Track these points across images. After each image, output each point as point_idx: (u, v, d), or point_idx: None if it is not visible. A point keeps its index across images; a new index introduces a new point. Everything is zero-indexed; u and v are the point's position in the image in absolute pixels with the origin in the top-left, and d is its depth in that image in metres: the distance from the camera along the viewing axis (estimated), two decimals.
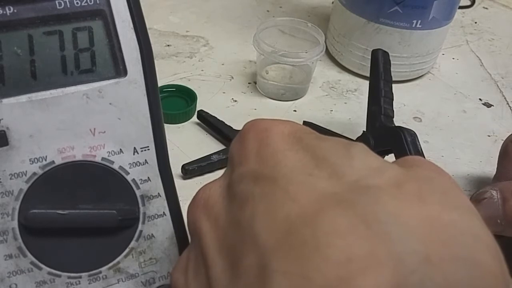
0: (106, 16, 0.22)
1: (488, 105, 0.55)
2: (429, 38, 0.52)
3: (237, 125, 0.45)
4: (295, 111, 0.50)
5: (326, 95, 0.53)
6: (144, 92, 0.22)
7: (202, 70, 0.54)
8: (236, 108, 0.50)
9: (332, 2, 0.61)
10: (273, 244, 0.14)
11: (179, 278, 0.19)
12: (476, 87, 0.57)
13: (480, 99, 0.55)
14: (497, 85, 0.58)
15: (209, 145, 0.45)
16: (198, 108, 0.47)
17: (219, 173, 0.42)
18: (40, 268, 0.21)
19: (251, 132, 0.18)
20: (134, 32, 0.22)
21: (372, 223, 0.13)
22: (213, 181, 0.20)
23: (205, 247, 0.17)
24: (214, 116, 0.46)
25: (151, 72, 0.22)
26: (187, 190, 0.40)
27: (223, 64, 0.56)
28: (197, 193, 0.20)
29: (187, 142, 0.44)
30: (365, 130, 0.42)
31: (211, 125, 0.45)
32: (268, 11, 0.68)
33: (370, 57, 0.44)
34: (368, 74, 0.44)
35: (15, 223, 0.21)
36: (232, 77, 0.54)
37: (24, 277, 0.21)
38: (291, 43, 0.53)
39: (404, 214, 0.14)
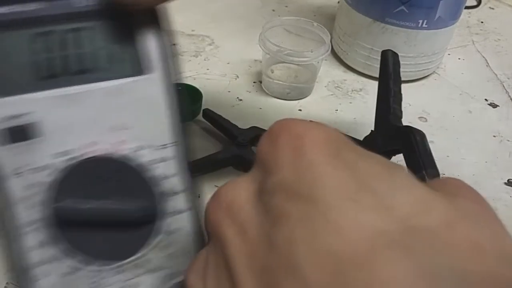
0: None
1: (493, 105, 0.54)
2: (435, 38, 0.52)
3: (243, 124, 0.45)
4: (300, 110, 0.50)
5: (331, 94, 0.53)
6: (165, 89, 0.23)
7: (208, 69, 0.54)
8: (241, 107, 0.50)
9: (338, 2, 0.61)
10: (320, 282, 0.14)
11: (197, 284, 0.18)
12: (482, 88, 0.57)
13: (485, 100, 0.55)
14: (503, 86, 0.58)
15: (215, 144, 0.45)
16: (203, 107, 0.47)
17: (221, 172, 0.42)
18: (63, 261, 0.22)
19: (283, 136, 0.17)
20: (155, 29, 0.23)
21: (433, 280, 0.13)
22: (235, 181, 0.19)
23: (232, 260, 0.16)
24: (219, 115, 0.46)
25: (172, 69, 0.23)
26: None
27: (228, 63, 0.56)
28: (217, 192, 0.19)
29: (192, 140, 0.45)
30: (373, 129, 0.42)
31: (217, 123, 0.45)
32: (273, 10, 0.68)
33: (376, 57, 0.44)
34: (373, 74, 0.44)
35: (40, 216, 0.21)
36: (238, 76, 0.54)
37: (48, 268, 0.21)
38: (296, 43, 0.53)
39: (463, 268, 0.14)
